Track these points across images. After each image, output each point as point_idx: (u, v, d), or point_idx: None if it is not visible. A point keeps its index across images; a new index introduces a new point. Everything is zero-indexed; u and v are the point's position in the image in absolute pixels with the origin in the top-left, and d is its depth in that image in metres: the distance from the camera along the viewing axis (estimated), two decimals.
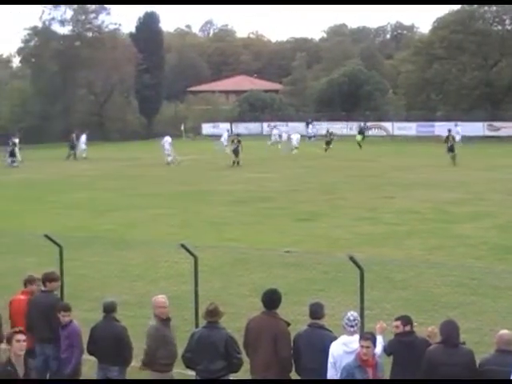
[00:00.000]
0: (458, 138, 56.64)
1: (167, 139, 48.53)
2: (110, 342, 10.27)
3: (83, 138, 54.45)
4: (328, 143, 56.42)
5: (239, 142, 46.35)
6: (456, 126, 59.33)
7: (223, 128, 79.87)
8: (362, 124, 67.20)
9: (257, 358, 9.63)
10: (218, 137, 73.09)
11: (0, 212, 28.66)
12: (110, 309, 10.54)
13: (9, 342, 8.56)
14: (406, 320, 9.55)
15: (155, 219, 26.80)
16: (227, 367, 9.64)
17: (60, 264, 12.16)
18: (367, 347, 8.75)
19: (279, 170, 42.86)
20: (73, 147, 53.47)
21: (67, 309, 10.62)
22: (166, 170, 44.33)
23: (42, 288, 11.20)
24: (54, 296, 11.31)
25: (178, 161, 47.12)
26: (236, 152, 45.53)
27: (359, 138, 60.86)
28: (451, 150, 44.97)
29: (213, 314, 9.72)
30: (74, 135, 54.07)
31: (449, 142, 45.54)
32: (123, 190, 35.21)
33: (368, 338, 8.83)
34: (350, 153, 54.26)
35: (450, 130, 48.43)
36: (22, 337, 8.56)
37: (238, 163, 45.13)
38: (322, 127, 68.41)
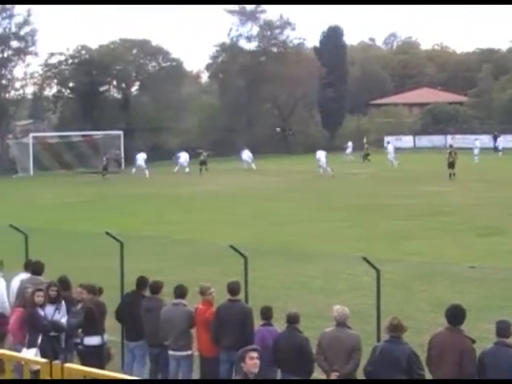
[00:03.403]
0: (476, 151, 57.50)
1: (322, 153, 50.43)
2: (292, 353, 10.41)
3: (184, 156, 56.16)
4: None
5: (455, 153, 45.99)
6: (476, 140, 61.02)
7: (406, 141, 79.23)
8: None
9: (440, 375, 9.45)
10: (399, 149, 72.65)
11: (188, 223, 29.71)
12: (293, 320, 10.69)
13: (241, 359, 8.66)
14: None
15: (334, 232, 26.87)
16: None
17: (244, 275, 12.39)
18: None
19: (460, 183, 41.88)
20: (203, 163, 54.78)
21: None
22: (344, 183, 44.39)
23: (230, 297, 11.51)
24: (243, 304, 11.64)
25: (330, 174, 48.47)
26: (452, 164, 45.20)
27: None
28: None
29: (396, 328, 9.65)
30: (204, 153, 55.67)
31: None
32: (304, 202, 35.56)
33: None
34: None
35: None
36: (255, 354, 8.67)
37: (454, 175, 44.76)
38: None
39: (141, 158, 55.69)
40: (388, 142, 64.02)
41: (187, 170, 54.35)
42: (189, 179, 50.35)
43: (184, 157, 55.66)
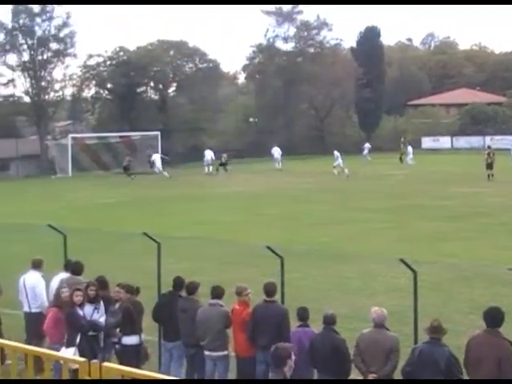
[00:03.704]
0: None
1: (338, 154, 51.33)
2: (329, 354, 10.40)
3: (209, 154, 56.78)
4: None
5: (494, 154, 45.81)
6: None
7: (443, 141, 78.67)
8: None
9: (478, 377, 9.37)
10: (437, 150, 72.13)
11: (221, 224, 29.77)
12: (330, 321, 10.68)
13: (289, 356, 8.69)
14: None
15: (371, 233, 26.78)
16: None
17: (281, 276, 12.42)
18: None
19: (498, 184, 41.47)
20: (222, 164, 55.78)
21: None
22: (380, 184, 44.16)
23: (266, 298, 11.54)
24: (279, 305, 11.65)
25: (346, 174, 49.22)
26: (490, 165, 45.07)
27: None
28: None
29: (436, 330, 9.61)
30: (224, 155, 56.51)
31: None
32: (338, 203, 35.46)
33: None
34: None
35: None
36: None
37: (492, 176, 44.58)
38: None
39: (158, 159, 56.04)
40: (409, 144, 63.86)
41: (211, 168, 54.87)
42: (219, 180, 50.61)
43: (209, 154, 55.98)
